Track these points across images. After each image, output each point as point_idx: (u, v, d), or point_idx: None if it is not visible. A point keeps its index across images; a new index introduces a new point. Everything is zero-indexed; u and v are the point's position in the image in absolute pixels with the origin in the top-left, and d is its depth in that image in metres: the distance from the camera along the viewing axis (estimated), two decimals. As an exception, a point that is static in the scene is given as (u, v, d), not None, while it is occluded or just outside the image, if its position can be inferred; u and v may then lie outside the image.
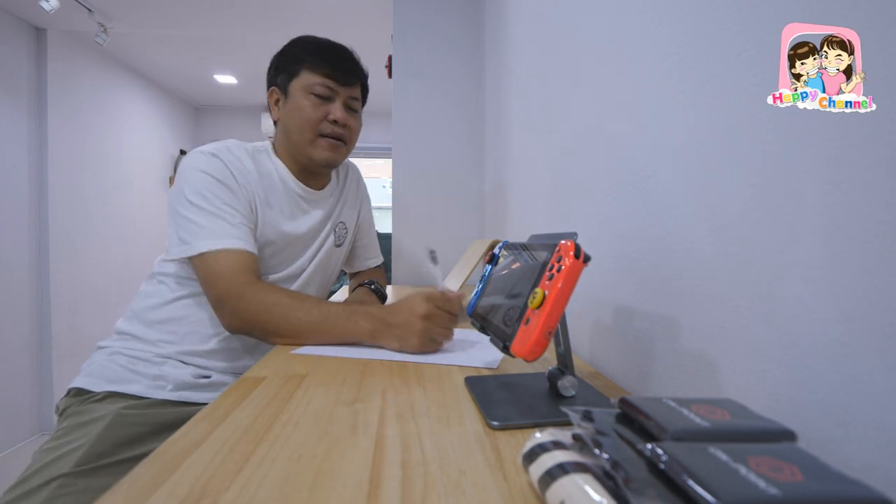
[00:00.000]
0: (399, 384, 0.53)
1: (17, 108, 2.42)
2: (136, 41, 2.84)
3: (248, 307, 0.71)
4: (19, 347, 2.44)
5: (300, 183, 0.93)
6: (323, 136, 0.89)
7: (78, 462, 0.65)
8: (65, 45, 2.66)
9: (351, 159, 1.08)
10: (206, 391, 0.81)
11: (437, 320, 0.66)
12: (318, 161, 0.90)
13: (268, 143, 0.93)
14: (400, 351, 0.66)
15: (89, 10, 2.25)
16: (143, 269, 0.95)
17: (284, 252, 0.90)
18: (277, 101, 0.92)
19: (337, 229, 1.02)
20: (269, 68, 0.93)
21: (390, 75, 1.74)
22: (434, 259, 0.79)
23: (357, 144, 0.98)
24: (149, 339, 0.82)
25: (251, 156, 0.88)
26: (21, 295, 2.45)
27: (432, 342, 0.66)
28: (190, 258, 0.77)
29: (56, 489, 0.62)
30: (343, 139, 0.92)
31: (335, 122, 0.89)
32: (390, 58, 1.74)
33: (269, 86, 0.93)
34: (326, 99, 0.88)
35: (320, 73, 0.87)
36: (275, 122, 0.96)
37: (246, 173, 0.84)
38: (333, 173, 1.03)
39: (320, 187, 0.98)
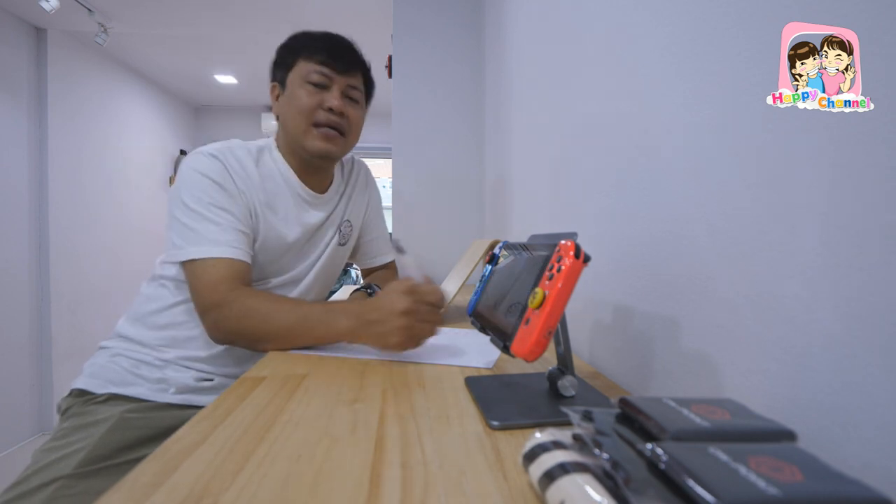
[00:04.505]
0: (399, 384, 0.53)
1: (17, 108, 2.42)
2: (136, 41, 2.84)
3: (229, 316, 0.69)
4: (19, 347, 2.44)
5: (303, 185, 0.89)
6: (318, 125, 0.84)
7: (80, 464, 0.64)
8: (65, 45, 2.66)
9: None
10: (209, 394, 0.81)
11: (419, 315, 0.61)
12: (312, 151, 0.85)
13: (271, 140, 0.91)
14: (382, 350, 0.63)
15: (89, 10, 2.25)
16: (143, 268, 0.95)
17: (286, 257, 0.88)
18: (278, 96, 0.89)
19: (343, 228, 0.99)
20: (271, 65, 0.91)
21: (390, 75, 1.74)
22: (401, 249, 0.74)
23: (357, 144, 0.96)
24: (150, 344, 0.81)
25: (254, 156, 0.85)
26: (21, 295, 2.45)
27: (414, 339, 0.61)
28: (181, 262, 0.75)
29: (56, 490, 0.61)
30: (340, 130, 0.86)
31: (330, 110, 0.83)
32: (390, 58, 1.74)
33: (271, 82, 0.92)
34: (322, 87, 0.84)
35: (315, 60, 0.84)
36: (277, 119, 0.93)
37: (247, 178, 0.81)
38: (338, 172, 1.00)
39: (323, 189, 0.94)
